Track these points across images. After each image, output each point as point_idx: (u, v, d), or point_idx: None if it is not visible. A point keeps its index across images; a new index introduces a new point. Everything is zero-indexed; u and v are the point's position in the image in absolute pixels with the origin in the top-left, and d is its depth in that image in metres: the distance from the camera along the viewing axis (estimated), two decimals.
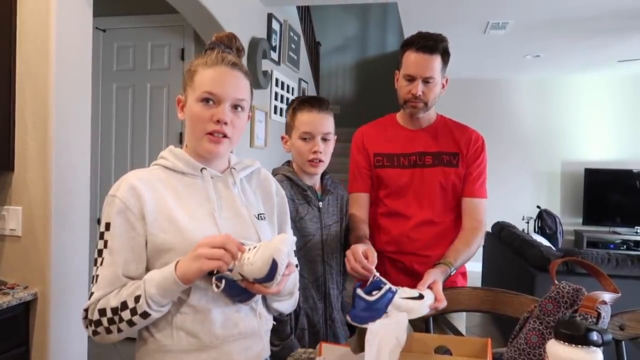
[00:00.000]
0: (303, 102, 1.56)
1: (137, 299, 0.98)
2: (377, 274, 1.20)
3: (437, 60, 1.62)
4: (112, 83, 3.53)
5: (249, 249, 0.99)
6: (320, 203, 1.59)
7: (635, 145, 6.27)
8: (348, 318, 1.12)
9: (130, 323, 0.99)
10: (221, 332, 1.06)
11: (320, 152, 1.53)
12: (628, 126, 6.29)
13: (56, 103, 1.81)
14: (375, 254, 1.29)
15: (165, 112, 3.43)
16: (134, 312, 0.98)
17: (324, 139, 1.54)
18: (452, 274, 1.50)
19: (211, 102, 1.07)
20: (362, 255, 1.25)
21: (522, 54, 5.32)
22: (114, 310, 1.00)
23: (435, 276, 1.37)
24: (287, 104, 4.40)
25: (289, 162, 1.65)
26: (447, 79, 1.71)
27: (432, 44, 1.60)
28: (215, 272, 0.97)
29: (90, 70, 2.00)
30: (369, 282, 1.18)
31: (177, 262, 0.98)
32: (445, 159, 1.72)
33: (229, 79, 1.08)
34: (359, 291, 1.15)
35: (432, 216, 1.72)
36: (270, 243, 0.98)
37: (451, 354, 1.03)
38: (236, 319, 1.08)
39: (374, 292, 1.12)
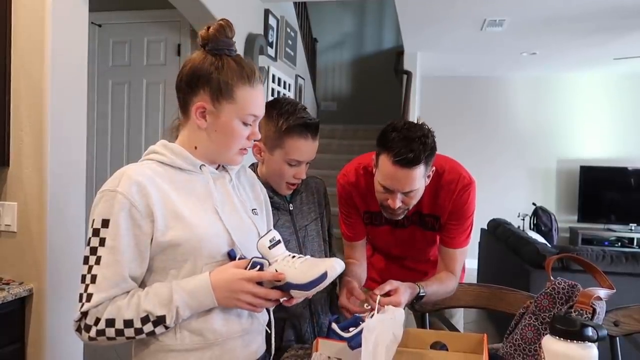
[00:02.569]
0: (299, 128, 1.37)
1: (162, 318, 0.98)
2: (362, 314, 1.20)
3: (418, 170, 1.34)
4: (107, 79, 3.52)
5: (292, 256, 1.01)
6: (291, 205, 1.51)
7: (631, 143, 6.30)
8: None
9: (152, 333, 1.00)
10: (224, 329, 1.06)
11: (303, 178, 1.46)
12: (623, 124, 6.31)
13: (51, 99, 1.80)
14: (358, 289, 1.33)
15: (161, 108, 3.41)
16: (156, 323, 0.99)
17: (307, 163, 1.45)
18: (420, 295, 1.42)
19: (249, 123, 1.09)
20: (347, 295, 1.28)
21: (518, 51, 5.32)
22: (128, 323, 0.98)
23: (398, 285, 1.33)
24: None
25: (253, 165, 1.53)
26: (432, 170, 1.44)
27: (412, 157, 1.30)
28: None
29: (86, 66, 1.99)
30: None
31: (213, 285, 1.00)
32: (428, 222, 1.58)
33: (263, 97, 1.11)
34: (334, 326, 1.15)
35: (423, 265, 1.75)
36: (326, 259, 1.00)
37: (447, 350, 1.03)
38: (237, 315, 1.08)
39: (350, 329, 1.11)
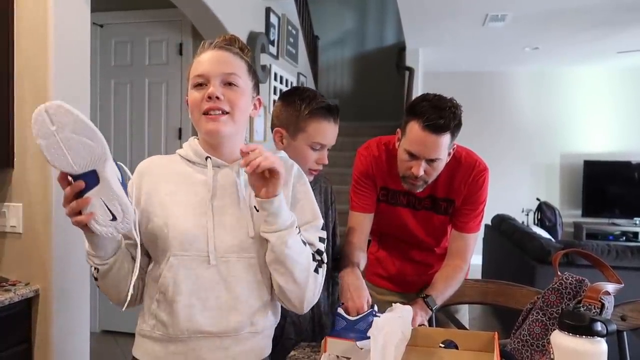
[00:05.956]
0: (322, 111, 1.41)
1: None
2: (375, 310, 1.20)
3: (445, 138, 1.40)
4: (110, 79, 3.52)
5: None
6: None
7: (634, 137, 6.28)
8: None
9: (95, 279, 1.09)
10: (187, 327, 1.05)
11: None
12: (627, 118, 6.29)
13: (55, 99, 1.79)
14: (370, 300, 1.29)
15: (164, 108, 3.41)
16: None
17: (328, 149, 1.48)
18: (434, 311, 1.44)
19: (203, 85, 1.08)
20: (363, 301, 1.26)
21: (521, 46, 5.31)
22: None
23: (415, 312, 1.35)
24: None
25: None
26: (454, 148, 1.50)
27: (442, 123, 1.37)
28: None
29: (89, 66, 1.98)
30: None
31: None
32: (442, 206, 1.61)
33: (216, 57, 1.09)
34: (340, 310, 1.15)
35: (429, 257, 1.74)
36: None
37: (457, 348, 1.03)
38: (206, 317, 1.06)
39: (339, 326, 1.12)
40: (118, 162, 1.00)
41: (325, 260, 1.14)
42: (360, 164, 1.65)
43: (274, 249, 1.04)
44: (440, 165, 1.47)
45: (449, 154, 1.48)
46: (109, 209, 0.93)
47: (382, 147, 1.63)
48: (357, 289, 1.31)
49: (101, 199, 0.92)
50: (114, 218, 0.94)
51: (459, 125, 1.43)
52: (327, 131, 1.42)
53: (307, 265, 1.08)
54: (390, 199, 1.65)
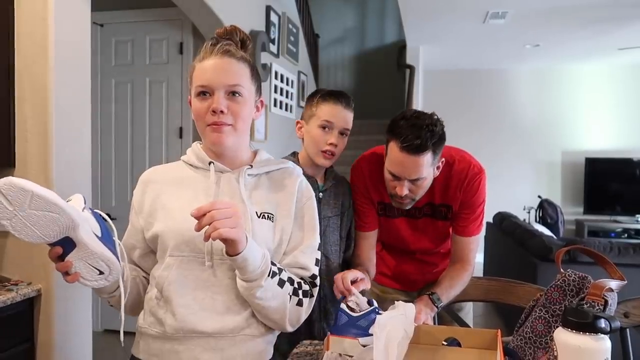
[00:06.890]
0: (330, 94, 1.56)
1: None
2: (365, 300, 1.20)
3: (425, 157, 1.36)
4: (110, 78, 3.51)
5: None
6: (321, 194, 1.57)
7: (636, 134, 6.27)
8: (329, 332, 1.12)
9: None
10: (182, 326, 1.05)
11: (336, 145, 1.52)
12: (628, 115, 6.28)
13: (55, 99, 1.80)
14: (367, 284, 1.29)
15: (164, 107, 3.41)
16: None
17: (341, 133, 1.54)
18: (439, 308, 1.44)
19: (207, 94, 1.08)
20: (349, 282, 1.26)
21: (521, 44, 5.30)
22: None
23: (420, 308, 1.36)
24: (286, 97, 4.39)
25: (294, 154, 1.64)
26: (442, 162, 1.47)
27: (419, 144, 1.32)
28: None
29: (89, 65, 1.98)
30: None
31: None
32: (442, 212, 1.59)
33: (220, 66, 1.08)
34: (343, 305, 1.15)
35: (432, 257, 1.74)
36: None
37: (460, 346, 1.03)
38: (201, 317, 1.05)
39: (342, 320, 1.12)
40: (97, 212, 1.01)
41: (318, 284, 1.16)
42: (353, 184, 1.65)
43: (243, 294, 1.05)
44: (426, 183, 1.44)
45: (438, 167, 1.45)
46: (93, 266, 0.95)
47: (373, 163, 1.60)
48: (345, 276, 1.30)
49: (82, 260, 0.94)
50: (101, 272, 0.96)
51: (439, 142, 1.38)
52: (334, 111, 1.53)
53: (283, 306, 1.07)
54: (388, 211, 1.63)
